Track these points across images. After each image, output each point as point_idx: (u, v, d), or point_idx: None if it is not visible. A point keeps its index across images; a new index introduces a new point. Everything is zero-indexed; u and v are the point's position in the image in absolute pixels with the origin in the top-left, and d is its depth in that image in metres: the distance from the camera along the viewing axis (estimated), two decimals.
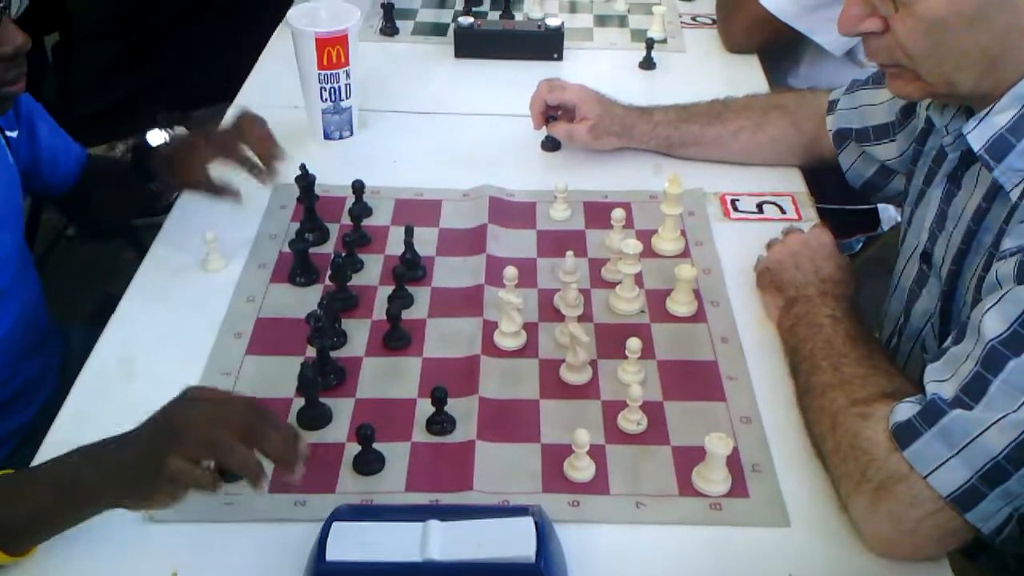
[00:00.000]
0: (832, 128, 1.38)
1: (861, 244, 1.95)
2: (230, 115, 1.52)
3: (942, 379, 0.92)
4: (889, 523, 0.91)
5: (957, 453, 0.88)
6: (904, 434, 0.91)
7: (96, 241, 1.55)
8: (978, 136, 0.99)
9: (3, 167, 1.25)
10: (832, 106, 1.40)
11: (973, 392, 0.88)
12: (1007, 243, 0.93)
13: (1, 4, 1.06)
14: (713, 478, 0.99)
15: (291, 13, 1.48)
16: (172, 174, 1.31)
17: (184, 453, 0.85)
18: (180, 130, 1.33)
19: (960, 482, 0.88)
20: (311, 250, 1.30)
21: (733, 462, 1.02)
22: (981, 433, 0.87)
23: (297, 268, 1.26)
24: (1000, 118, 0.97)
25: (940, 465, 0.89)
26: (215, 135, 1.31)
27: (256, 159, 1.28)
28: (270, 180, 1.29)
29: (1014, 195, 0.96)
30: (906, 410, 0.92)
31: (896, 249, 1.26)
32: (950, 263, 1.07)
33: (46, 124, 1.37)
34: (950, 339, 0.96)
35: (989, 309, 0.90)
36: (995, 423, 0.87)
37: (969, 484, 0.88)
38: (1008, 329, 0.88)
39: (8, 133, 1.26)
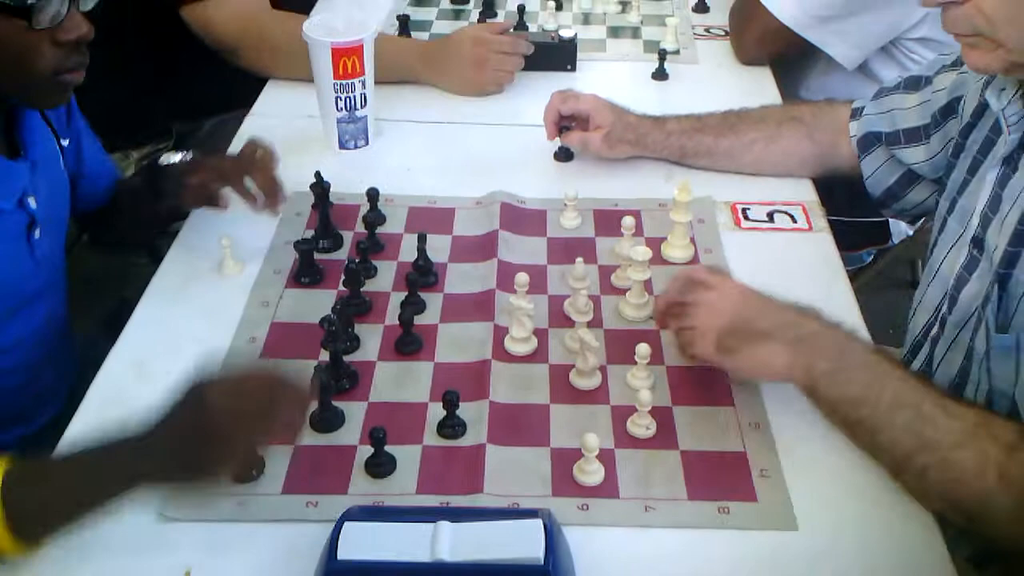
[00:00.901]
0: (857, 134, 1.39)
1: (872, 257, 1.96)
2: (244, 137, 1.54)
3: None
4: None
5: None
6: None
7: (110, 253, 1.56)
8: None
9: (57, 172, 1.28)
10: (857, 113, 1.40)
11: None
12: None
13: None
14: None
15: (307, 23, 1.50)
16: (180, 196, 1.33)
17: (222, 462, 0.89)
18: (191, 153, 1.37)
19: None
20: (326, 257, 1.32)
21: (741, 467, 1.03)
22: None
23: (303, 268, 1.28)
24: None
25: None
26: (221, 161, 1.34)
27: (257, 192, 1.30)
28: (270, 214, 1.31)
29: None
30: None
31: (929, 244, 1.25)
32: (1006, 245, 1.05)
33: (90, 140, 1.39)
34: None
35: None
36: None
37: None
38: None
39: (62, 141, 1.29)
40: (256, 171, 1.31)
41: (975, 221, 1.13)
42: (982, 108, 1.15)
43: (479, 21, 1.93)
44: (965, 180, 1.17)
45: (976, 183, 1.14)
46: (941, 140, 1.27)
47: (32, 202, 1.19)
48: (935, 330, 1.22)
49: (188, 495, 0.93)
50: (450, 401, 1.06)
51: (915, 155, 1.32)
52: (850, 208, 1.58)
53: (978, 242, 1.13)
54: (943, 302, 1.20)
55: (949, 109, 1.24)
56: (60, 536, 0.91)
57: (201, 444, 0.88)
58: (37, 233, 1.20)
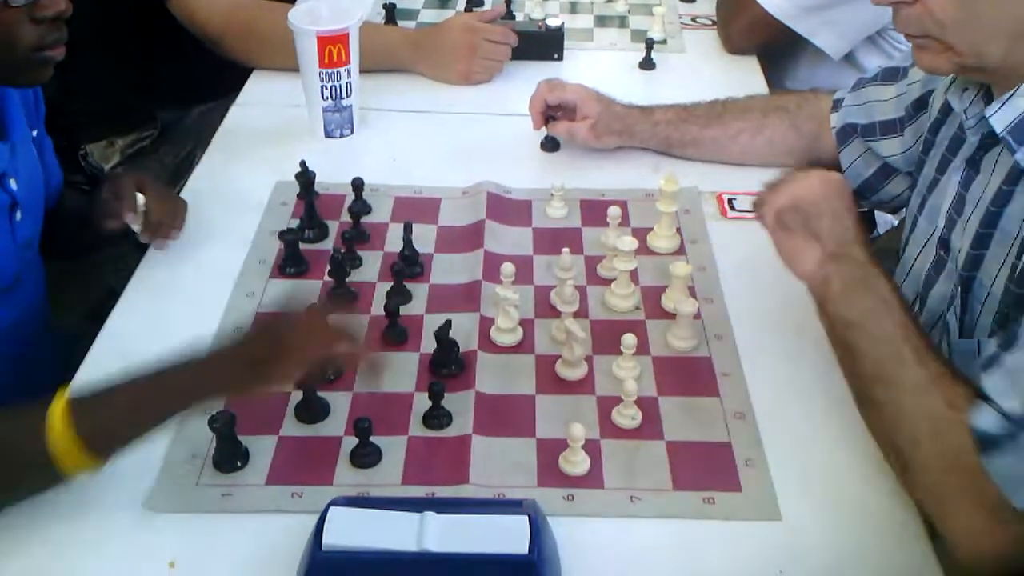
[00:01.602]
0: (836, 125, 1.39)
1: None
2: (229, 126, 1.53)
3: (1006, 393, 0.89)
4: (1009, 544, 0.88)
5: None
6: (987, 446, 0.88)
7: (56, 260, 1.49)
8: (1001, 118, 0.99)
9: (32, 157, 1.27)
10: (837, 104, 1.40)
11: None
12: None
13: None
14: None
15: (292, 12, 1.49)
16: (92, 211, 1.29)
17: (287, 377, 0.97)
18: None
19: None
20: (312, 247, 1.32)
21: (726, 457, 1.03)
22: None
23: (288, 259, 1.28)
24: (1023, 101, 0.98)
25: None
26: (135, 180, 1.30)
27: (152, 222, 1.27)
28: (156, 245, 1.29)
29: None
30: (990, 421, 0.89)
31: (901, 240, 1.26)
32: (968, 247, 1.06)
33: (47, 137, 1.37)
34: (993, 343, 0.94)
35: None
36: None
37: None
38: None
39: (32, 131, 1.28)
40: (154, 204, 1.27)
41: (941, 222, 1.14)
42: (948, 106, 1.16)
43: (466, 10, 1.92)
44: (935, 179, 1.17)
45: (944, 182, 1.14)
46: (914, 134, 1.27)
47: (13, 183, 1.18)
48: None
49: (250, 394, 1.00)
50: (436, 392, 1.06)
51: (890, 148, 1.32)
52: None
53: (944, 243, 1.13)
54: (915, 302, 1.21)
55: (921, 103, 1.24)
56: (127, 450, 0.94)
57: (273, 347, 0.95)
58: (19, 215, 1.19)
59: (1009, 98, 0.99)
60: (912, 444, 0.94)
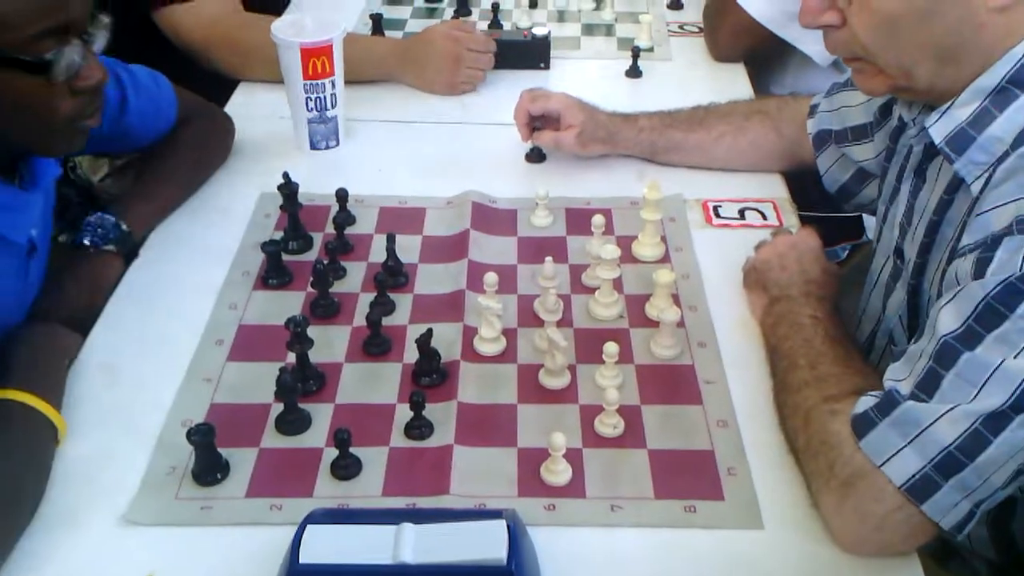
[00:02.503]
0: (812, 131, 1.40)
1: (847, 252, 1.96)
2: None
3: (900, 378, 0.93)
4: (856, 519, 0.92)
5: (909, 443, 0.89)
6: (861, 425, 0.93)
7: None
8: (940, 129, 1.00)
9: (51, 200, 1.27)
10: (813, 110, 1.41)
11: (927, 387, 0.90)
12: (966, 239, 0.94)
13: (86, 36, 1.06)
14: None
15: (276, 24, 1.49)
16: None
17: None
18: None
19: (912, 471, 0.89)
20: (295, 258, 1.31)
21: (709, 465, 1.03)
22: (932, 423, 0.88)
23: (271, 270, 1.27)
24: (961, 112, 0.98)
25: (893, 455, 0.90)
26: None
27: None
28: None
29: (974, 188, 0.97)
30: (865, 402, 0.94)
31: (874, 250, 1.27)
32: (915, 256, 1.08)
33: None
34: (914, 338, 0.97)
35: (944, 305, 0.92)
36: (946, 414, 0.88)
37: (922, 473, 0.89)
38: (962, 324, 0.89)
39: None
40: None
41: (897, 231, 1.15)
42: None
43: (453, 19, 1.92)
44: (895, 188, 1.18)
45: (902, 191, 1.15)
46: (883, 138, 1.27)
47: (34, 231, 1.18)
48: (876, 338, 1.24)
49: None
50: (417, 402, 1.05)
51: (863, 152, 1.32)
52: (823, 204, 1.57)
53: (899, 252, 1.15)
54: (880, 310, 1.22)
55: (887, 108, 1.24)
56: None
57: None
58: (34, 260, 1.19)
59: (947, 109, 1.00)
60: (793, 436, 1.02)
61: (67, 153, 1.24)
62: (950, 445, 0.88)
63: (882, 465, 0.90)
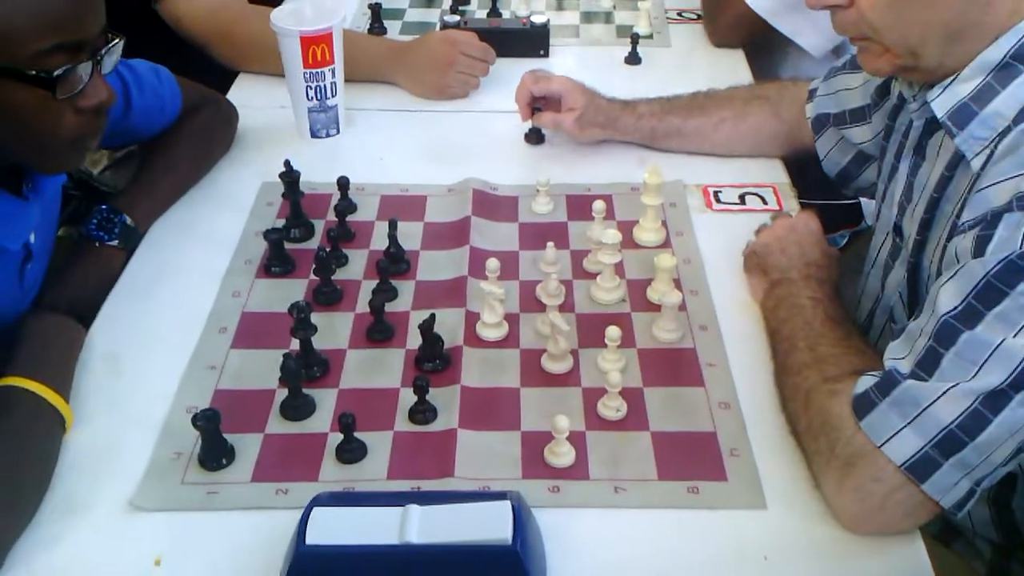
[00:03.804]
0: (811, 115, 1.40)
1: (846, 239, 1.96)
2: None
3: (900, 356, 0.94)
4: (857, 499, 0.93)
5: (909, 423, 0.90)
6: (861, 405, 0.94)
7: None
8: (942, 103, 1.00)
9: (55, 200, 1.28)
10: (811, 94, 1.41)
11: (927, 366, 0.90)
12: (966, 215, 0.94)
13: (98, 56, 1.06)
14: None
15: (275, 13, 1.50)
16: None
17: None
18: None
19: (912, 451, 0.90)
20: (297, 246, 1.32)
21: (711, 446, 1.04)
22: (932, 403, 0.89)
23: (273, 258, 1.28)
24: (964, 87, 0.99)
25: (893, 435, 0.90)
26: None
27: None
28: None
29: (975, 164, 0.97)
30: (865, 382, 0.95)
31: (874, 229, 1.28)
32: (915, 233, 1.08)
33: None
34: (914, 316, 0.97)
35: (944, 284, 0.92)
36: (945, 393, 0.88)
37: (922, 453, 0.89)
38: (961, 303, 0.89)
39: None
40: None
41: (895, 210, 1.15)
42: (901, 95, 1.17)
43: (452, 10, 1.92)
44: (893, 166, 1.18)
45: (900, 168, 1.15)
46: (882, 119, 1.27)
47: (32, 237, 1.18)
48: (875, 317, 1.24)
49: None
50: (421, 386, 1.06)
51: (862, 135, 1.33)
52: (822, 191, 1.58)
53: (898, 229, 1.15)
54: (879, 289, 1.22)
55: (885, 88, 1.25)
56: None
57: None
58: (30, 265, 1.19)
59: (949, 84, 1.00)
60: (794, 418, 1.03)
61: (62, 171, 1.23)
62: (950, 424, 0.88)
63: (882, 445, 0.91)
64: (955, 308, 0.89)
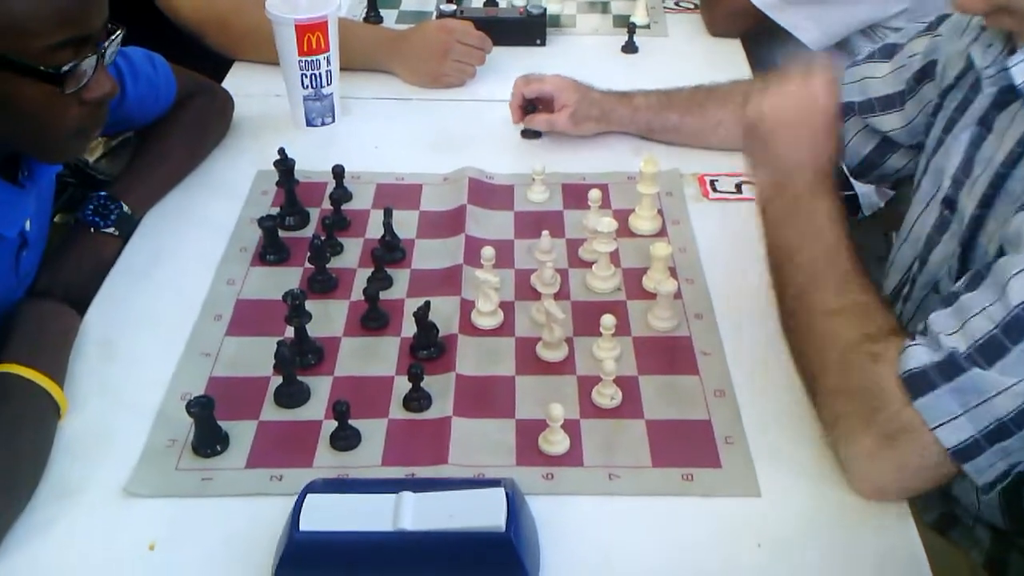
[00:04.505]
0: None
1: None
2: None
3: (952, 330, 0.91)
4: (893, 469, 0.93)
5: (967, 412, 0.89)
6: (918, 384, 0.91)
7: None
8: (1021, 70, 0.98)
9: (48, 194, 1.28)
10: None
11: (989, 354, 0.88)
12: None
13: (101, 48, 1.06)
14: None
15: (270, 0, 1.49)
16: None
17: None
18: None
19: (964, 437, 0.89)
20: (292, 234, 1.32)
21: (706, 434, 1.04)
22: (994, 396, 0.88)
23: (268, 246, 1.28)
24: None
25: (948, 421, 0.89)
26: None
27: None
28: None
29: None
30: (921, 356, 0.91)
31: (899, 215, 1.26)
32: (974, 208, 1.05)
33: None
34: (961, 283, 0.96)
35: (1019, 273, 0.88)
36: (1008, 389, 0.87)
37: (972, 440, 0.89)
38: None
39: None
40: None
41: (947, 182, 1.12)
42: (965, 69, 1.14)
43: None
44: (940, 139, 1.16)
45: (950, 142, 1.13)
46: (917, 104, 1.26)
47: (28, 224, 1.18)
48: (906, 289, 1.22)
49: None
50: (415, 374, 1.06)
51: (891, 122, 1.31)
52: None
53: (950, 203, 1.12)
54: (914, 262, 1.20)
55: (924, 73, 1.24)
56: None
57: None
58: (25, 252, 1.19)
59: None
60: (821, 369, 0.99)
61: (64, 160, 1.24)
62: (1004, 417, 0.88)
63: (935, 428, 0.90)
64: None
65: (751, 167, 1.15)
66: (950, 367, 0.89)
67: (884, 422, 0.92)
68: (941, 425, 0.90)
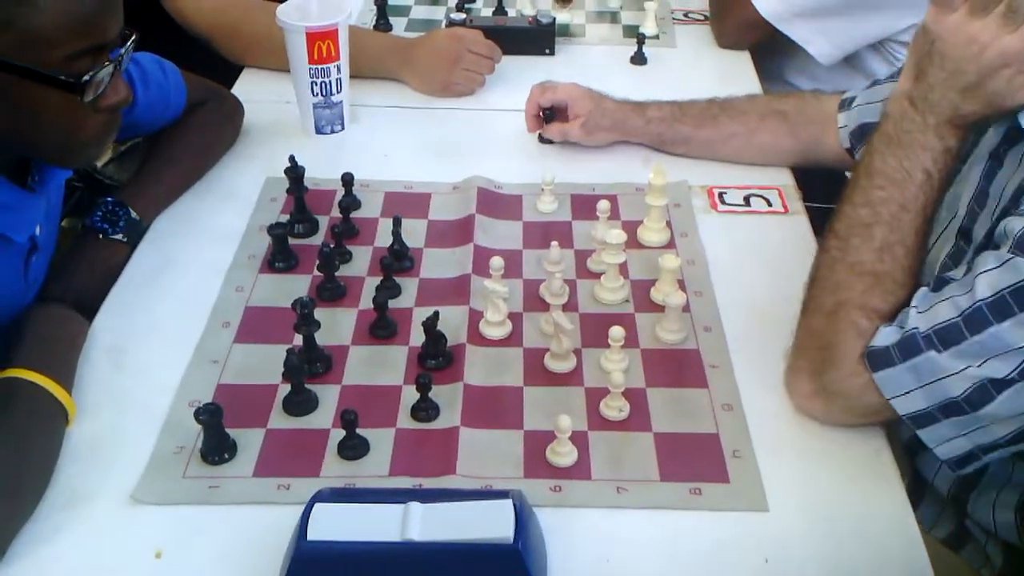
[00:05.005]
0: (849, 124, 1.36)
1: None
2: None
3: (923, 309, 0.97)
4: (820, 412, 1.05)
5: (921, 387, 0.96)
6: (878, 359, 0.98)
7: None
8: None
9: (57, 199, 1.28)
10: (846, 103, 1.38)
11: (946, 339, 0.94)
12: None
13: (117, 58, 1.06)
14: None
15: (281, 8, 1.49)
16: None
17: None
18: None
19: (917, 408, 0.97)
20: (301, 242, 1.32)
21: (714, 448, 1.03)
22: (946, 377, 0.95)
23: (277, 254, 1.28)
24: None
25: (903, 394, 0.97)
26: None
27: None
28: None
29: None
30: (887, 337, 0.99)
31: None
32: (982, 238, 1.06)
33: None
34: (957, 270, 1.00)
35: (991, 270, 0.94)
36: (959, 373, 0.94)
37: (925, 411, 0.97)
38: (995, 294, 0.92)
39: None
40: None
41: (962, 211, 1.12)
42: None
43: (457, 8, 1.92)
44: (956, 168, 1.15)
45: (966, 171, 1.13)
46: None
47: (38, 230, 1.18)
48: None
49: None
50: (423, 383, 1.06)
51: None
52: (827, 195, 1.58)
53: (965, 233, 1.12)
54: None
55: None
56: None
57: None
58: (35, 257, 1.20)
59: None
60: (815, 305, 1.06)
61: (79, 167, 1.25)
62: (957, 397, 0.95)
63: (891, 399, 0.98)
64: (989, 297, 0.92)
65: (913, 70, 1.03)
66: (908, 347, 0.96)
67: (828, 382, 1.02)
68: (897, 397, 0.97)
